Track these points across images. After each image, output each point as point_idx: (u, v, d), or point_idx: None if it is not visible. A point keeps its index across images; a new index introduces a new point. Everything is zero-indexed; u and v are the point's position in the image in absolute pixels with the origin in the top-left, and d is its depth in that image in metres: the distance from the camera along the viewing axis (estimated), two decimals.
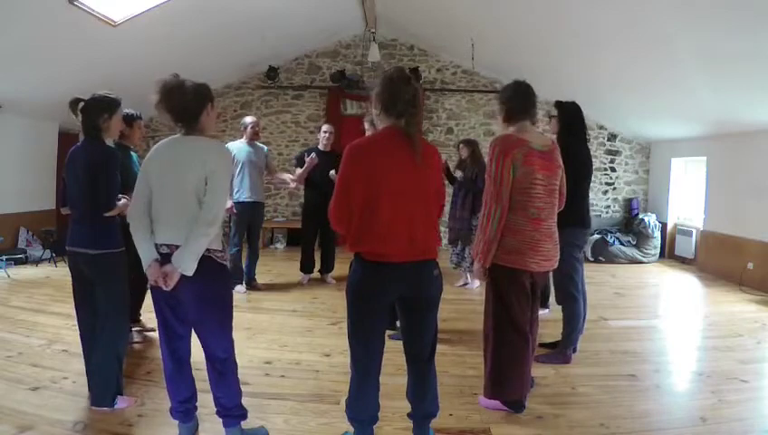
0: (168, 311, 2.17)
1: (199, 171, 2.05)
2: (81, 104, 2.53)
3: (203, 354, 2.21)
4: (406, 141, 2.01)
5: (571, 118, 3.34)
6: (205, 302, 2.12)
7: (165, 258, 2.05)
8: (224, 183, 2.12)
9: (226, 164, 2.16)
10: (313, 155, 4.98)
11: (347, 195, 2.00)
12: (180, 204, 2.06)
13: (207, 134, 2.20)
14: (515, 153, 2.42)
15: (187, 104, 2.11)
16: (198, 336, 2.17)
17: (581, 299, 3.33)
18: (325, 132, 5.25)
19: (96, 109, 2.53)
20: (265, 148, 5.19)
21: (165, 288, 2.03)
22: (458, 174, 5.12)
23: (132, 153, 3.48)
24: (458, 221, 5.08)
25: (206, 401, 2.32)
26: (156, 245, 2.09)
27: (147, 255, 2.08)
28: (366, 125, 4.25)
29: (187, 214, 2.05)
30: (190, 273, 2.01)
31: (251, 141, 4.92)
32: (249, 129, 4.91)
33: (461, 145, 5.30)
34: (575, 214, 3.20)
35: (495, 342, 2.56)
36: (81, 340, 2.66)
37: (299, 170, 5.11)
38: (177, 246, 2.03)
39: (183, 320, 2.19)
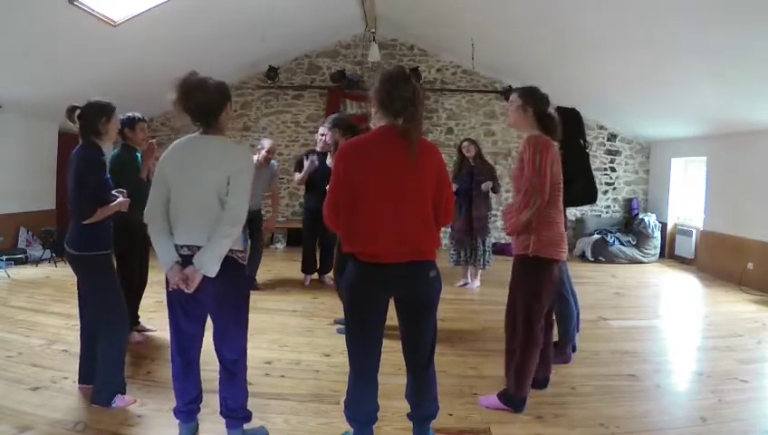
0: (181, 312, 2.14)
1: (222, 171, 2.02)
2: (78, 111, 2.55)
3: (209, 354, 2.21)
4: (400, 140, 1.97)
5: (572, 125, 3.37)
6: (225, 302, 2.11)
7: (186, 260, 2.02)
8: (247, 183, 2.09)
9: (249, 164, 2.14)
10: (313, 159, 4.96)
11: (338, 194, 2.00)
12: (202, 204, 2.03)
13: (225, 133, 2.17)
14: (553, 151, 2.54)
15: (208, 103, 2.07)
16: (214, 336, 2.16)
17: (571, 298, 3.36)
18: (322, 135, 5.23)
19: (94, 113, 2.55)
20: (275, 165, 5.15)
21: (187, 291, 2.01)
22: (486, 186, 5.07)
23: (138, 154, 3.51)
24: (478, 220, 5.12)
25: (207, 401, 2.32)
26: (175, 246, 2.05)
27: (167, 257, 2.04)
28: (327, 126, 4.08)
29: (209, 214, 2.02)
30: (213, 274, 1.99)
31: (260, 165, 4.77)
32: (263, 153, 4.82)
33: (466, 143, 5.26)
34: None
35: (526, 337, 2.58)
36: (80, 337, 2.68)
37: (298, 175, 5.09)
38: (199, 247, 2.01)
39: (196, 321, 2.17)
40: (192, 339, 2.20)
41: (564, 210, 3.36)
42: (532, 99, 2.64)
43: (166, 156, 2.13)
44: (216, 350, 2.18)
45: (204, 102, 2.05)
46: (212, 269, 1.99)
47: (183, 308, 2.13)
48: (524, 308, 2.60)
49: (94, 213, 2.51)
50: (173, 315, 2.16)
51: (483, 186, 5.08)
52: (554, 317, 3.35)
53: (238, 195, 2.04)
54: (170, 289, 2.07)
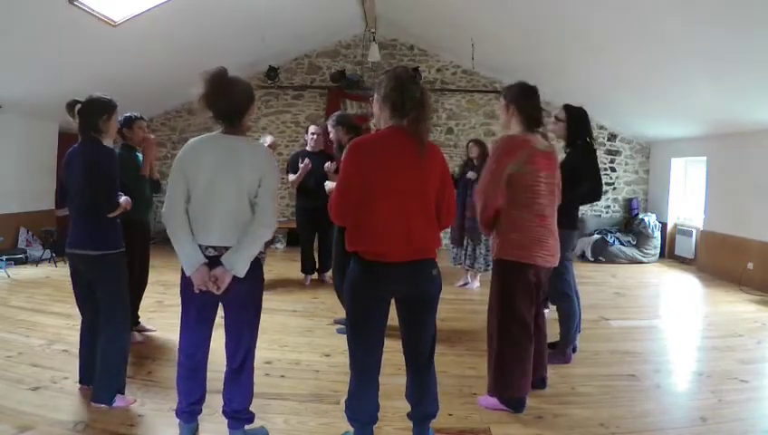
0: (196, 315, 2.13)
1: (254, 172, 2.02)
2: (78, 106, 2.53)
3: (212, 354, 2.20)
4: (409, 140, 2.00)
5: (578, 123, 3.39)
6: (247, 302, 2.12)
7: (212, 261, 2.01)
8: (276, 185, 2.11)
9: (276, 165, 2.16)
10: (307, 161, 4.93)
11: (347, 191, 2.00)
12: (231, 205, 2.02)
13: (246, 134, 2.17)
14: (520, 154, 2.49)
15: (236, 103, 2.06)
16: (230, 335, 2.16)
17: (575, 298, 3.35)
18: (313, 134, 5.21)
19: (95, 110, 2.54)
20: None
21: (216, 292, 2.01)
22: (471, 175, 5.09)
23: (138, 154, 3.51)
24: (470, 221, 5.09)
25: (206, 401, 2.31)
26: (200, 247, 2.03)
27: (193, 258, 2.01)
28: (330, 125, 4.08)
29: (239, 215, 2.02)
30: (242, 274, 2.00)
31: None
32: (265, 147, 4.85)
33: (470, 144, 5.29)
34: (570, 217, 3.29)
35: (500, 338, 2.58)
36: (81, 338, 2.68)
37: (292, 177, 5.09)
38: (226, 248, 2.00)
39: (208, 323, 2.17)
40: (203, 341, 2.19)
41: (575, 208, 3.36)
42: (511, 95, 2.63)
43: (185, 155, 2.08)
44: (227, 350, 2.18)
45: (232, 102, 2.05)
46: (243, 270, 2.00)
47: (198, 311, 2.12)
48: (496, 310, 2.60)
49: (118, 205, 2.53)
50: (187, 318, 2.15)
51: (468, 174, 5.07)
52: (557, 316, 3.37)
53: (271, 196, 2.06)
54: (197, 290, 2.04)
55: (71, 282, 2.66)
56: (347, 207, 2.02)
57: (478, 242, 5.17)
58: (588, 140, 3.38)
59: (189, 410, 2.22)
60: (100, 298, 2.55)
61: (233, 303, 2.11)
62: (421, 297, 2.10)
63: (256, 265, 2.10)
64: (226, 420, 2.23)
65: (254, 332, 2.21)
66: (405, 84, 2.02)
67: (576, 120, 3.37)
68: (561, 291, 3.30)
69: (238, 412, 2.21)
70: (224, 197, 2.02)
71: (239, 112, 2.08)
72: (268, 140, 4.97)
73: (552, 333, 3.49)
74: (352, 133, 3.81)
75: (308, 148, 5.22)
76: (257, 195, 2.03)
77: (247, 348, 2.18)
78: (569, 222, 3.30)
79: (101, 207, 2.50)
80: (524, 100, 2.60)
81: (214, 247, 2.03)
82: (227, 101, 2.04)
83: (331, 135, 4.10)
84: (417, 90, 2.03)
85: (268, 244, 5.11)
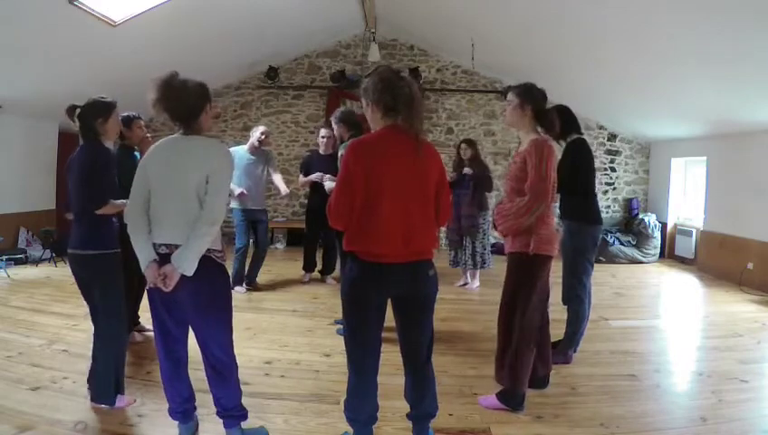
0: (165, 313, 2.15)
1: (201, 171, 2.04)
2: (78, 110, 2.56)
3: (200, 354, 2.20)
4: (405, 138, 2.02)
5: (568, 116, 3.40)
6: (204, 302, 2.11)
7: (163, 259, 2.04)
8: (225, 183, 2.12)
9: (228, 163, 2.16)
10: (320, 175, 4.73)
11: (348, 192, 2.00)
12: (181, 204, 2.05)
13: (205, 134, 2.19)
14: (555, 154, 2.60)
15: (188, 104, 2.09)
16: (197, 337, 2.16)
17: (587, 301, 3.34)
18: (323, 137, 5.20)
19: (92, 113, 2.56)
20: (271, 152, 5.20)
21: (164, 289, 2.02)
22: (467, 170, 5.09)
23: (135, 154, 3.51)
24: (467, 219, 5.09)
25: (205, 402, 2.32)
26: (154, 245, 2.07)
27: (145, 255, 2.06)
28: (333, 121, 4.04)
29: (189, 214, 2.04)
30: (190, 273, 2.00)
31: (255, 150, 4.88)
32: (258, 134, 4.85)
33: (463, 145, 5.27)
34: (593, 211, 3.34)
35: (522, 332, 2.59)
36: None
37: (302, 178, 5.09)
38: (177, 246, 2.02)
39: (180, 321, 2.18)
40: (178, 340, 2.20)
41: (596, 201, 3.43)
42: (531, 97, 2.62)
43: (147, 157, 2.15)
44: (201, 351, 2.17)
45: (184, 104, 2.08)
46: (189, 268, 2.00)
47: (167, 309, 2.14)
48: (522, 303, 2.60)
49: (107, 203, 2.52)
50: (156, 315, 2.17)
51: (465, 169, 5.08)
52: (565, 317, 3.37)
53: (217, 194, 2.06)
54: (148, 287, 2.10)
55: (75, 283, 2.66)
56: (346, 207, 2.01)
57: (475, 239, 5.17)
58: (580, 132, 3.42)
59: (182, 411, 2.23)
60: (97, 298, 2.56)
61: (188, 302, 2.10)
62: (418, 298, 2.10)
63: (211, 263, 2.09)
64: (222, 421, 2.24)
65: (222, 331, 2.18)
66: (392, 83, 2.04)
67: (560, 114, 3.37)
68: (576, 294, 3.30)
69: (229, 410, 2.22)
70: (174, 196, 2.06)
71: (193, 113, 2.12)
72: (260, 129, 4.95)
73: (555, 332, 3.49)
74: (354, 131, 3.80)
75: (320, 151, 5.21)
76: (206, 192, 2.05)
77: (219, 348, 2.16)
78: (591, 216, 3.32)
79: (93, 203, 2.50)
80: (544, 104, 2.64)
81: (166, 245, 2.06)
82: (179, 104, 2.08)
83: (334, 131, 4.11)
84: (405, 85, 2.04)
85: (265, 247, 5.12)
